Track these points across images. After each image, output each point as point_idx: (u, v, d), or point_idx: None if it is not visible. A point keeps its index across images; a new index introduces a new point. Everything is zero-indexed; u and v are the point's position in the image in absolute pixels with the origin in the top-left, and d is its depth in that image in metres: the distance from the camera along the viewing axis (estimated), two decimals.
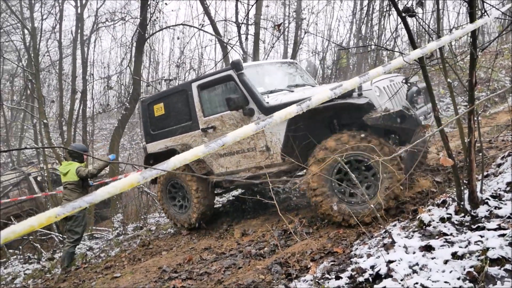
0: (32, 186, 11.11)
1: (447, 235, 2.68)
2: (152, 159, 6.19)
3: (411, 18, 2.85)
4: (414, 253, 2.58)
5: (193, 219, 5.84)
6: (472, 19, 2.78)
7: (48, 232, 8.94)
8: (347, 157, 4.01)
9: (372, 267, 2.62)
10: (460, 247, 2.44)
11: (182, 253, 5.05)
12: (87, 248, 7.79)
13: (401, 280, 2.32)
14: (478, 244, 2.37)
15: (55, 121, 18.42)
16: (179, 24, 13.45)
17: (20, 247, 8.81)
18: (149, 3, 10.67)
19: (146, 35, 11.27)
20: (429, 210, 3.20)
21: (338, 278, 2.76)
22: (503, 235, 2.37)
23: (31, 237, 8.48)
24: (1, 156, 17.45)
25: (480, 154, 3.58)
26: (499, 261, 2.18)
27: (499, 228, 2.49)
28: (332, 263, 3.23)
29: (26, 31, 13.30)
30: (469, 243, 2.44)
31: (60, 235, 8.70)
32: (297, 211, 5.39)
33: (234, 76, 5.13)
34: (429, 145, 5.52)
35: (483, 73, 10.29)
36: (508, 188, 3.05)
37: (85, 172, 5.90)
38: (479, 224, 2.64)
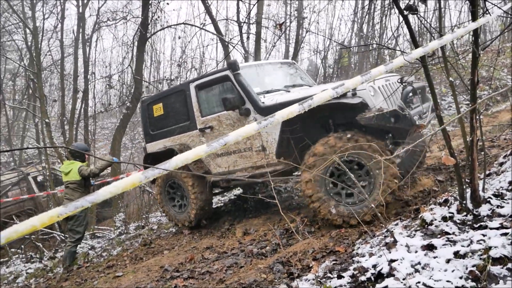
0: (31, 186, 11.15)
1: (449, 234, 2.67)
2: (151, 159, 6.24)
3: (413, 16, 2.84)
4: (416, 252, 2.57)
5: (192, 215, 5.87)
6: (474, 17, 2.77)
7: (50, 231, 8.97)
8: (339, 158, 3.98)
9: (374, 266, 2.62)
10: (462, 246, 2.44)
11: (184, 252, 5.05)
12: (89, 247, 7.80)
13: (403, 279, 2.31)
14: (481, 243, 2.37)
15: (57, 120, 18.47)
16: (180, 23, 13.45)
17: (22, 246, 8.83)
18: (150, 2, 10.67)
19: (148, 34, 11.28)
20: (431, 209, 3.19)
21: (340, 277, 2.76)
22: (505, 234, 2.36)
23: (33, 236, 8.50)
24: (2, 155, 17.48)
25: (482, 153, 3.57)
26: (501, 260, 2.17)
27: (502, 227, 2.48)
28: (334, 262, 3.23)
29: (28, 31, 13.32)
30: (471, 242, 2.43)
31: (62, 234, 8.72)
32: (298, 210, 5.39)
33: (231, 76, 5.15)
34: (429, 144, 5.51)
35: (485, 71, 10.26)
36: (510, 187, 3.04)
37: (87, 171, 5.91)
38: (481, 223, 2.63)
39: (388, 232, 3.15)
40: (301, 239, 4.05)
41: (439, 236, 2.71)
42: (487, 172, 3.78)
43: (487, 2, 2.87)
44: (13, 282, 6.74)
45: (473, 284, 2.12)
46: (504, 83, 9.83)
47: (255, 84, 5.18)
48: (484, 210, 2.78)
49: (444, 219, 2.91)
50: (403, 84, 4.41)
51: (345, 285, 2.63)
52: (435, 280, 2.20)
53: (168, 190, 6.28)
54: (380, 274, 2.50)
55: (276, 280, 3.32)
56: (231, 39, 11.10)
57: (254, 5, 9.90)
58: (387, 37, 13.88)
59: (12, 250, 8.97)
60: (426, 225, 2.95)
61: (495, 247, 2.25)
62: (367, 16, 15.12)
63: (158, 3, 11.23)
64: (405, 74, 6.21)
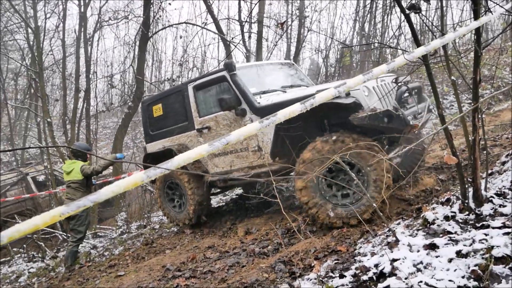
0: (30, 186, 11.18)
1: (451, 233, 2.67)
2: (150, 159, 6.29)
3: (415, 15, 2.84)
4: (418, 251, 2.57)
5: (190, 211, 5.90)
6: (476, 16, 2.76)
7: (52, 230, 8.99)
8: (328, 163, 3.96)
9: (376, 266, 2.61)
10: (464, 245, 2.43)
11: (186, 252, 5.06)
12: (91, 247, 7.81)
13: (405, 278, 2.31)
14: (483, 243, 2.36)
15: (58, 120, 18.51)
16: (182, 23, 13.49)
17: (24, 245, 8.86)
18: (152, 1, 10.68)
19: (149, 33, 11.28)
20: (433, 208, 3.19)
21: (342, 276, 2.76)
22: (507, 233, 2.35)
23: (35, 235, 8.52)
24: (4, 154, 17.51)
25: (485, 152, 3.56)
26: (503, 260, 2.17)
27: (504, 226, 2.48)
28: (336, 261, 3.22)
29: (29, 30, 13.33)
30: (474, 241, 2.43)
31: (64, 233, 8.74)
32: (300, 210, 5.38)
33: (227, 77, 5.18)
34: (429, 143, 5.50)
35: (487, 70, 10.24)
36: None
37: (89, 169, 5.92)
38: (484, 222, 2.63)
39: (390, 232, 3.15)
40: (303, 239, 4.05)
41: (441, 235, 2.71)
42: (489, 171, 3.77)
43: (489, 1, 2.86)
44: (15, 282, 6.75)
45: (475, 283, 2.11)
46: (506, 82, 9.80)
47: (252, 85, 5.21)
48: (486, 209, 2.77)
49: (446, 218, 2.90)
50: (398, 84, 4.40)
51: (347, 285, 2.63)
52: (437, 280, 2.20)
53: (167, 192, 6.35)
54: (382, 273, 2.49)
55: (278, 280, 3.32)
56: (232, 38, 11.08)
57: (255, 4, 9.90)
58: (388, 36, 13.83)
59: (14, 249, 9.00)
60: (428, 225, 2.95)
61: (497, 246, 2.25)
62: (368, 15, 15.10)
63: (160, 3, 11.24)
64: (405, 74, 6.20)
